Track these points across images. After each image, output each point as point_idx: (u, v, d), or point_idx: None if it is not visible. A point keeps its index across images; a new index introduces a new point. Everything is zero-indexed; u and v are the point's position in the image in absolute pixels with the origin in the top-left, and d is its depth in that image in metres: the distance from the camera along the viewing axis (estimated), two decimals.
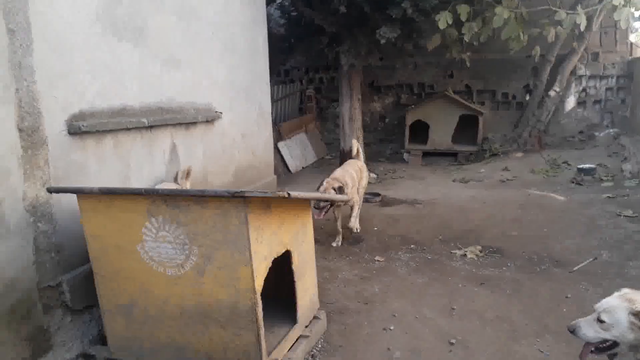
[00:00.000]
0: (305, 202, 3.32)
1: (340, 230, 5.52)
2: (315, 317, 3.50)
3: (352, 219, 5.55)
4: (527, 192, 7.58)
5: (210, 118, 5.23)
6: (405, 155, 10.84)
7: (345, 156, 8.98)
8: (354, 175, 5.53)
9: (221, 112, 5.49)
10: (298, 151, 10.18)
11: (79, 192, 2.91)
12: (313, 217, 3.98)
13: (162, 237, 2.81)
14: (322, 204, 4.63)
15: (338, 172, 5.38)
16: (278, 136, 9.46)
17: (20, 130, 3.04)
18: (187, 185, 4.35)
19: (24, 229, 3.08)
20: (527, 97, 10.89)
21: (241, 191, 2.51)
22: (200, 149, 5.11)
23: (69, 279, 3.35)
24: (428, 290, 4.25)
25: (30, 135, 3.11)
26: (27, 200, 3.09)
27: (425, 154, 10.89)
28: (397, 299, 4.06)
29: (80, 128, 3.41)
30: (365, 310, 3.89)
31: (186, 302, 2.86)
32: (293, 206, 3.15)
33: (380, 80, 11.94)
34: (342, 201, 4.79)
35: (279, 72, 12.36)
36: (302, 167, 10.09)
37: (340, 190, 4.75)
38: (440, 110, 10.79)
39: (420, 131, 10.86)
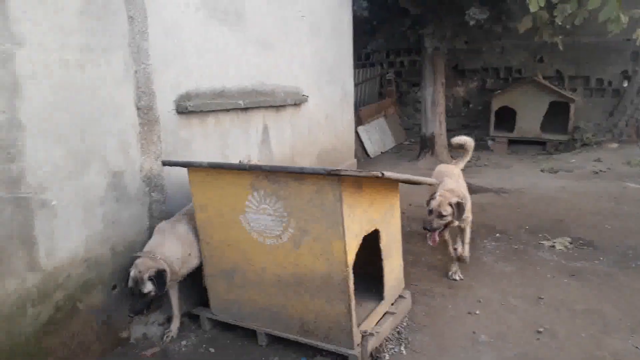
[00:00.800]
0: (394, 184, 3.39)
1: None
2: (400, 296, 3.60)
3: (465, 246, 4.24)
4: (623, 184, 7.11)
5: (298, 101, 5.42)
6: (490, 143, 10.49)
7: (426, 142, 8.89)
8: (466, 187, 4.43)
9: (307, 96, 5.66)
10: (377, 136, 10.20)
11: (190, 165, 3.18)
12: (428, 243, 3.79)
13: (263, 209, 3.02)
14: (434, 224, 3.73)
15: (450, 183, 4.08)
16: (358, 121, 9.51)
17: (138, 108, 3.38)
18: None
19: (141, 197, 3.43)
20: (625, 84, 10.10)
21: (337, 169, 2.64)
22: (288, 131, 5.33)
23: None
24: (514, 279, 4.19)
25: (146, 113, 3.44)
26: (143, 171, 3.44)
27: (511, 142, 10.47)
28: (482, 285, 4.04)
29: (187, 108, 3.70)
30: (449, 295, 3.92)
31: (282, 270, 3.07)
32: (382, 187, 3.23)
33: (465, 63, 11.58)
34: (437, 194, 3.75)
35: (359, 55, 12.37)
36: (381, 152, 10.11)
37: (458, 207, 3.74)
38: (529, 96, 10.30)
39: (506, 118, 10.45)
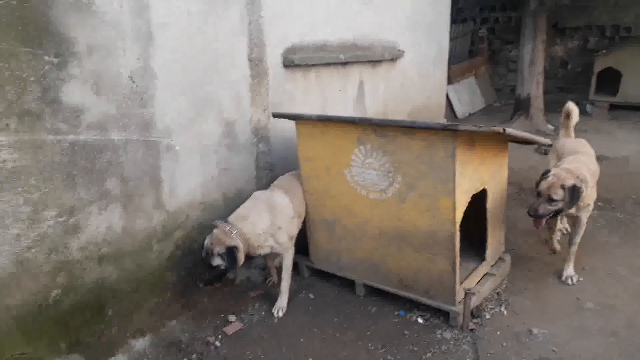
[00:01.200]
0: (505, 143, 3.28)
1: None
2: (500, 259, 3.55)
3: (571, 252, 3.52)
4: None
5: (394, 56, 5.31)
6: (588, 107, 9.75)
7: (520, 104, 8.44)
8: (594, 170, 3.57)
9: (403, 51, 5.52)
10: (466, 96, 9.81)
11: (299, 118, 3.26)
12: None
13: (368, 163, 3.05)
14: (540, 210, 3.12)
15: (570, 162, 3.38)
16: (447, 79, 9.18)
17: (250, 60, 3.48)
18: None
19: (249, 147, 3.58)
20: None
21: (453, 124, 2.59)
22: (382, 87, 5.26)
23: None
24: (621, 249, 3.97)
25: (257, 65, 3.53)
26: (252, 123, 3.57)
27: (612, 107, 9.65)
28: (586, 253, 3.87)
29: (293, 61, 3.76)
30: (550, 260, 3.81)
31: (385, 224, 3.12)
32: (494, 145, 3.14)
33: (566, 20, 10.68)
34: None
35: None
36: (469, 114, 9.73)
37: (573, 192, 3.05)
38: (638, 57, 9.37)
39: (608, 81, 9.60)
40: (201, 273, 3.35)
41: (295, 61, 3.78)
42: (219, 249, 2.93)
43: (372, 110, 5.11)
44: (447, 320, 3.05)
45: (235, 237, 2.99)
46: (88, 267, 2.69)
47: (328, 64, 4.26)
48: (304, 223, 3.57)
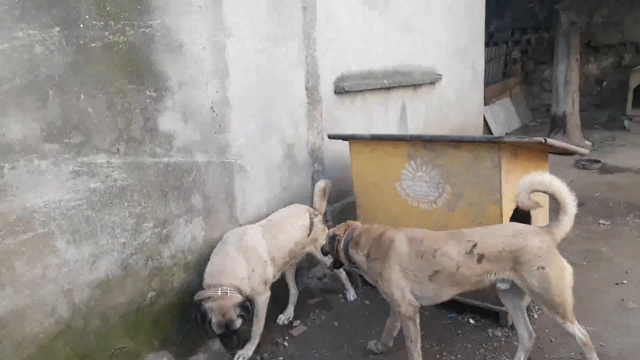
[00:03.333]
0: (545, 154, 3.53)
1: None
2: None
3: None
4: None
5: (433, 80, 5.66)
6: (626, 123, 9.79)
7: (557, 122, 8.59)
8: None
9: (441, 75, 5.87)
10: (502, 116, 10.02)
11: (352, 138, 3.62)
12: None
13: (419, 176, 3.37)
14: (326, 246, 3.08)
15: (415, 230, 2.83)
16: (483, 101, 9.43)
17: (306, 89, 3.89)
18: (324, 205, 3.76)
19: (306, 167, 3.97)
20: None
21: (497, 137, 2.89)
22: (422, 110, 5.60)
23: (331, 210, 4.20)
24: None
25: (312, 93, 3.95)
26: (309, 145, 3.96)
27: None
28: (628, 258, 4.03)
29: (343, 88, 4.16)
30: (593, 265, 3.98)
31: None
32: (534, 156, 3.40)
33: (599, 39, 10.82)
34: None
35: None
36: (506, 133, 9.92)
37: (331, 241, 2.99)
38: None
39: None
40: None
41: (346, 88, 4.17)
42: (234, 312, 2.85)
43: (414, 131, 5.44)
44: (497, 319, 3.28)
45: (231, 293, 2.88)
46: (176, 273, 3.08)
47: (373, 89, 4.65)
48: None
